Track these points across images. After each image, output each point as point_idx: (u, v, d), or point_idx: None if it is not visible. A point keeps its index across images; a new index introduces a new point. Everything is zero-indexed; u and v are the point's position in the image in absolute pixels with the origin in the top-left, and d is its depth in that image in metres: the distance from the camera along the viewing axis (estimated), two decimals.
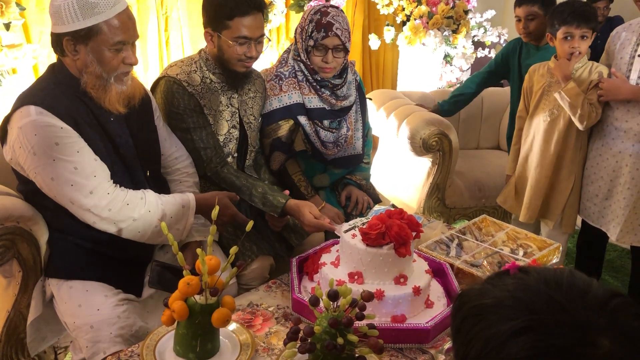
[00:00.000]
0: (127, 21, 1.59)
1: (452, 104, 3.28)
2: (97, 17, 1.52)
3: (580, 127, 2.43)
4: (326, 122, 2.27)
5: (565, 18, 2.36)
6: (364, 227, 1.61)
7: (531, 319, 0.65)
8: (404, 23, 3.81)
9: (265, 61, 3.45)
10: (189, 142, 1.99)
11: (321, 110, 2.23)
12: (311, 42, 2.14)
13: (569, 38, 2.38)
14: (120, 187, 1.64)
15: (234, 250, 1.39)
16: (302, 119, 2.21)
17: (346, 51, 2.18)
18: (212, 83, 2.03)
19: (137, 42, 3.01)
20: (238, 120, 2.10)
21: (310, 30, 2.14)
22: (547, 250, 1.95)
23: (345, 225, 1.76)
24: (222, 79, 2.04)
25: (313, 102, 2.22)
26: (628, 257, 3.13)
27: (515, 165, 2.76)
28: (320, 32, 2.12)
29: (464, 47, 3.86)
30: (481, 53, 3.99)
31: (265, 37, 2.00)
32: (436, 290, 1.75)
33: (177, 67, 2.01)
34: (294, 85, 2.21)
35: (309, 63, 2.18)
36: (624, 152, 2.38)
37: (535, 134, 2.61)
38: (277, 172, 2.30)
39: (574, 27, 2.36)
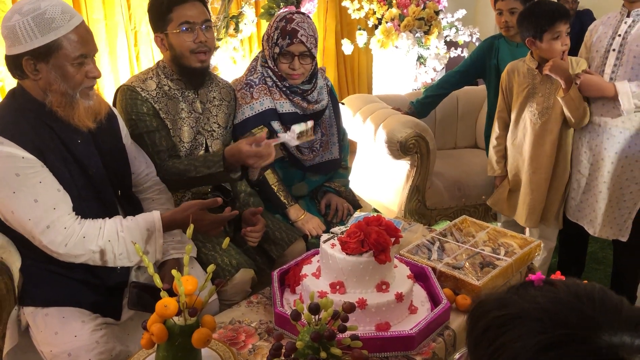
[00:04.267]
0: (85, 34, 1.56)
1: (426, 105, 3.27)
2: (56, 32, 1.49)
3: (576, 126, 2.42)
4: None
5: (550, 19, 2.34)
6: (343, 235, 1.60)
7: (563, 333, 0.62)
8: (375, 27, 3.82)
9: (239, 71, 3.42)
10: (143, 148, 1.97)
11: (293, 115, 2.22)
12: (277, 49, 2.15)
13: (558, 37, 2.36)
14: (80, 218, 1.59)
15: (211, 269, 1.37)
16: (276, 125, 2.20)
17: (312, 57, 2.18)
18: (170, 90, 2.03)
19: (107, 59, 3.02)
20: (203, 126, 2.09)
21: (275, 37, 2.15)
22: (528, 248, 1.95)
23: (288, 135, 1.88)
24: (180, 84, 2.05)
25: (285, 106, 2.21)
26: (610, 248, 3.15)
27: (501, 167, 2.71)
28: (285, 39, 2.12)
29: (436, 47, 3.87)
30: (454, 53, 4.01)
31: (212, 23, 2.03)
32: (419, 295, 1.74)
33: (133, 77, 2.05)
34: (265, 92, 2.21)
35: (276, 70, 2.19)
36: (600, 146, 2.39)
37: (525, 137, 2.56)
38: (256, 183, 2.27)
39: (562, 25, 2.35)
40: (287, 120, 2.21)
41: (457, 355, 1.44)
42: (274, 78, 2.20)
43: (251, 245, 2.06)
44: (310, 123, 1.94)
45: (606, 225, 2.43)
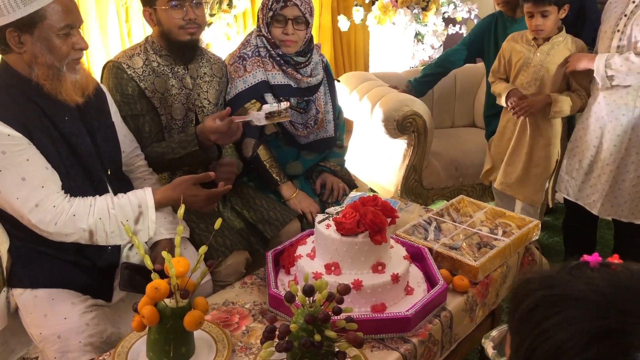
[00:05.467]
0: (69, 4, 1.52)
1: (424, 84, 3.22)
2: (39, 2, 1.45)
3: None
4: (293, 101, 2.21)
5: None
6: (338, 216, 1.56)
7: (625, 321, 0.58)
8: (372, 2, 3.75)
9: (232, 48, 3.36)
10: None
11: (287, 87, 2.18)
12: (270, 14, 2.12)
13: (531, 16, 2.36)
14: (70, 196, 1.56)
15: (202, 250, 1.34)
16: (269, 98, 2.16)
17: (307, 24, 2.14)
18: (159, 66, 1.98)
19: (97, 35, 2.95)
20: (194, 102, 2.05)
21: (270, 3, 2.12)
22: (526, 228, 1.92)
23: (257, 113, 1.85)
24: (170, 60, 2.00)
25: (277, 78, 2.18)
26: (607, 228, 3.13)
27: (507, 88, 2.56)
28: (279, 3, 2.10)
29: (434, 24, 3.81)
30: (452, 30, 3.95)
31: (203, 0, 1.97)
32: (416, 276, 1.72)
33: (120, 53, 2.01)
34: (258, 63, 2.17)
35: (270, 37, 2.15)
36: (603, 128, 2.36)
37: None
38: (249, 160, 2.23)
39: (530, 5, 2.32)
40: (280, 93, 2.18)
41: (494, 333, 1.34)
42: (268, 46, 2.16)
43: (227, 186, 1.83)
44: (284, 104, 1.88)
45: (606, 204, 2.41)
